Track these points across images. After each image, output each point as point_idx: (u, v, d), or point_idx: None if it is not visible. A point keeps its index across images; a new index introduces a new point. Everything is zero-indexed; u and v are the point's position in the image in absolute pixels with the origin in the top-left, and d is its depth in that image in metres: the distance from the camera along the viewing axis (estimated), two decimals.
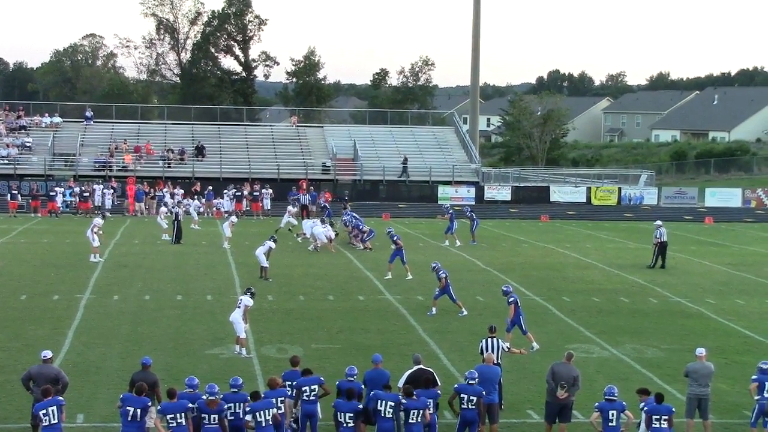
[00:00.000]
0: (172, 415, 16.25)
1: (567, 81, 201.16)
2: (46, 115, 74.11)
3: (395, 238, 38.17)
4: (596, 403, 17.41)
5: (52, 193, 57.06)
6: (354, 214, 46.39)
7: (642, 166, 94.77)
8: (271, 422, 16.60)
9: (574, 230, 52.36)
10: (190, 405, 16.48)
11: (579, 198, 70.64)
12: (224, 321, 28.09)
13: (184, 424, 16.28)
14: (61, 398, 16.65)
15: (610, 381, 22.46)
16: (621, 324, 29.19)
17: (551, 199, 70.08)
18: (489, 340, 20.10)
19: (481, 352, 19.81)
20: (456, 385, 17.95)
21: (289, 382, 17.96)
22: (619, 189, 72.55)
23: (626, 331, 28.12)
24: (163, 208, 49.03)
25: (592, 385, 21.88)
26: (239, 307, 24.69)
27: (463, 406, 17.56)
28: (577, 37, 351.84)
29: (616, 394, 17.28)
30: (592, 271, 39.64)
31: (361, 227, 44.97)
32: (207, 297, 31.90)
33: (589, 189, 72.03)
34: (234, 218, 45.72)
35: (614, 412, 17.07)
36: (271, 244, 35.87)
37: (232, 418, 16.78)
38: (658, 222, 42.31)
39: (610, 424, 17.04)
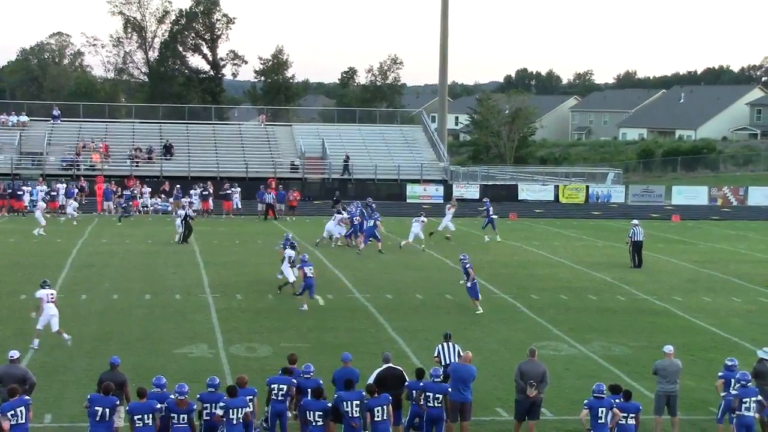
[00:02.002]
0: (140, 416, 16.20)
1: (535, 80, 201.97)
2: (13, 113, 73.51)
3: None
4: (585, 401, 17.41)
5: (19, 192, 56.60)
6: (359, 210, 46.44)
7: (609, 165, 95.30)
8: (242, 420, 16.61)
9: (542, 228, 52.56)
10: (159, 405, 16.43)
11: (547, 196, 70.93)
12: (193, 320, 28.13)
13: (151, 425, 16.22)
14: (28, 398, 16.57)
15: (578, 378, 22.71)
16: (589, 321, 29.36)
17: (519, 198, 70.31)
18: (446, 344, 20.19)
19: (437, 357, 19.81)
20: (421, 383, 17.98)
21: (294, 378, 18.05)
22: (587, 187, 72.90)
23: (594, 329, 28.28)
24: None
25: (560, 383, 22.05)
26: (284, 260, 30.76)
27: (429, 405, 17.61)
28: (545, 36, 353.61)
29: (604, 392, 17.33)
30: (560, 269, 39.82)
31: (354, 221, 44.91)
32: (176, 296, 31.80)
33: (557, 187, 72.32)
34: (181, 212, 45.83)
35: (603, 409, 17.08)
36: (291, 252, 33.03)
37: (208, 418, 16.78)
38: (635, 221, 42.63)
39: (599, 421, 17.07)
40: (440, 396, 17.65)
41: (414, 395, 17.86)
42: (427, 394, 17.67)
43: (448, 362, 19.61)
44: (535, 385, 18.38)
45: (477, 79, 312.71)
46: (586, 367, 24.01)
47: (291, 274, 31.93)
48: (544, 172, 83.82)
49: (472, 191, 69.98)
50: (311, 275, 30.49)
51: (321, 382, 17.85)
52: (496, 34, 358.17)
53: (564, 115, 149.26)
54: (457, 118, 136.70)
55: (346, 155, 70.68)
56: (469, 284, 30.44)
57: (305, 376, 17.94)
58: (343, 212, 45.85)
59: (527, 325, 28.80)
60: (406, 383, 18.20)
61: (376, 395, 17.10)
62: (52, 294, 25.22)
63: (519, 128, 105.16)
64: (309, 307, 30.12)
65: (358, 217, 44.95)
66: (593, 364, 24.44)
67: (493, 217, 47.33)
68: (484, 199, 52.63)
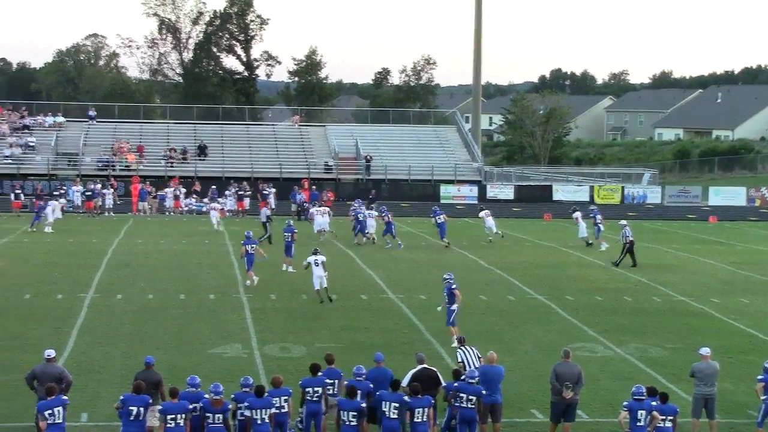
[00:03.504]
0: (173, 416, 16.22)
1: (569, 80, 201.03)
2: (50, 114, 74.11)
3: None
4: (624, 402, 17.25)
5: (55, 193, 56.96)
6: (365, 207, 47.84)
7: (645, 165, 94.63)
8: (267, 421, 16.62)
9: (576, 229, 52.16)
10: (191, 406, 16.45)
11: (582, 197, 70.45)
12: (227, 320, 28.19)
13: (182, 425, 16.24)
14: (65, 397, 16.64)
15: (614, 380, 22.54)
16: (624, 323, 29.13)
17: (554, 198, 69.96)
18: (465, 349, 20.04)
19: (462, 362, 19.54)
20: (456, 384, 17.90)
21: (329, 379, 18.06)
22: (622, 188, 72.45)
23: (630, 330, 28.06)
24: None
25: (596, 384, 21.90)
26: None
27: (462, 405, 17.53)
28: (580, 35, 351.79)
29: (644, 394, 17.16)
30: (595, 270, 39.59)
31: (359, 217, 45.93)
32: (210, 296, 31.88)
33: (591, 188, 71.88)
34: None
35: (643, 411, 16.89)
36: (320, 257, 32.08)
37: (242, 418, 16.79)
38: (623, 222, 42.45)
39: (638, 424, 16.89)
40: (473, 397, 17.54)
41: (450, 396, 17.78)
42: (461, 395, 17.58)
43: (475, 366, 19.41)
44: (571, 386, 18.25)
45: (511, 79, 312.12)
46: (622, 369, 23.81)
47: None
48: (579, 172, 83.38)
49: (506, 192, 69.76)
50: (252, 251, 33.85)
51: (371, 385, 17.80)
52: (531, 33, 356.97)
53: (599, 116, 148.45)
54: (490, 118, 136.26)
55: (367, 155, 70.64)
56: (451, 307, 26.12)
57: (358, 378, 17.87)
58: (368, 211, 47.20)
59: (562, 326, 28.63)
60: (444, 384, 18.12)
61: (419, 396, 17.02)
62: None
63: (553, 128, 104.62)
64: (344, 308, 30.15)
65: (361, 215, 46.14)
66: (629, 365, 24.23)
67: (602, 227, 45.96)
68: (592, 207, 52.11)
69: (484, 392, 17.79)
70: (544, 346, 25.64)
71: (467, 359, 19.68)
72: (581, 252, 44.16)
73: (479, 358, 19.68)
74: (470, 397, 17.52)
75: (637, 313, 30.68)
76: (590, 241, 46.53)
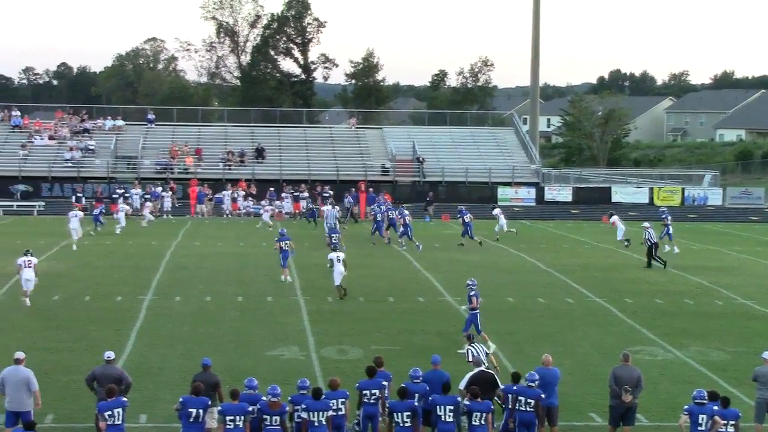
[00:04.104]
0: (232, 417, 16.26)
1: (628, 80, 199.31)
2: (109, 118, 74.92)
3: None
4: (685, 406, 17.01)
5: (115, 196, 57.49)
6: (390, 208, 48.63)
7: (706, 166, 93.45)
8: (324, 423, 16.61)
9: (636, 231, 51.56)
10: (250, 408, 16.47)
11: (641, 198, 69.76)
12: (284, 322, 28.25)
13: (241, 426, 16.27)
14: (125, 399, 16.76)
15: (674, 384, 22.25)
16: (685, 326, 28.76)
17: (613, 200, 69.28)
18: (473, 346, 20.23)
19: (474, 361, 19.24)
20: (515, 387, 17.75)
21: (384, 381, 18.00)
22: (683, 189, 71.62)
23: (690, 334, 27.69)
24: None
25: (656, 388, 21.63)
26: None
27: (521, 408, 17.38)
28: (640, 35, 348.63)
29: (705, 398, 16.90)
30: (654, 272, 39.14)
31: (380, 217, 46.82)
32: (267, 298, 31.98)
33: (651, 189, 71.15)
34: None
35: (704, 416, 16.63)
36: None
37: (299, 420, 16.79)
38: (646, 224, 42.22)
39: (699, 428, 16.64)
40: (532, 400, 17.38)
41: (510, 399, 17.64)
42: (519, 398, 17.43)
43: (484, 362, 19.56)
44: (630, 390, 18.03)
45: (569, 80, 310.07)
46: (683, 373, 23.49)
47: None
48: (638, 174, 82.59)
49: (564, 194, 69.32)
50: (287, 248, 35.27)
51: (428, 387, 17.73)
52: (589, 34, 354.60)
53: (659, 117, 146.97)
54: (548, 120, 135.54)
55: (419, 156, 70.53)
56: (473, 312, 25.54)
57: (414, 380, 17.81)
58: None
59: (621, 329, 28.33)
60: (502, 387, 17.99)
61: (479, 400, 16.91)
62: (29, 261, 30.03)
63: (612, 130, 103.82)
64: (401, 310, 30.13)
65: (381, 215, 46.81)
66: (690, 369, 23.91)
67: (669, 226, 45.45)
68: (662, 208, 51.75)
69: (542, 395, 17.62)
70: (603, 349, 25.38)
71: (480, 356, 19.71)
72: (640, 254, 43.65)
73: (486, 354, 20.01)
74: (529, 400, 17.37)
75: (698, 316, 30.28)
76: (627, 243, 46.39)
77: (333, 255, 32.77)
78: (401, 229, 45.17)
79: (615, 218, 48.99)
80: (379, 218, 46.75)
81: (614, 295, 33.51)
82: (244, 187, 62.07)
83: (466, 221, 45.53)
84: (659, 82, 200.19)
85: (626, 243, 46.33)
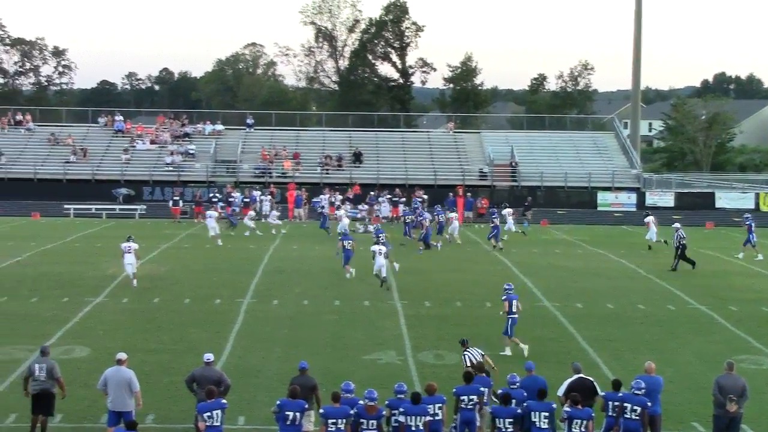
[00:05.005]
0: (333, 420, 16.25)
1: (734, 83, 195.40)
2: (209, 122, 75.93)
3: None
4: None
5: (214, 199, 58.17)
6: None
7: None
8: (422, 428, 16.50)
9: (741, 237, 50.51)
10: (351, 412, 16.45)
11: (747, 204, 68.10)
12: (382, 326, 28.23)
13: (343, 429, 16.25)
14: (224, 401, 16.87)
15: None
16: None
17: (716, 206, 67.88)
18: (469, 352, 20.14)
19: (470, 365, 19.38)
20: (620, 394, 17.42)
21: (482, 387, 17.91)
22: None
23: None
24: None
25: (762, 398, 21.05)
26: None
27: (626, 416, 17.05)
28: (746, 37, 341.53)
29: None
30: (760, 279, 38.26)
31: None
32: (364, 302, 32.00)
33: (757, 195, 69.40)
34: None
35: None
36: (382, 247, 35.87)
37: (396, 424, 16.73)
38: (677, 225, 41.94)
39: None
40: (638, 408, 17.03)
41: (610, 407, 17.32)
42: (625, 405, 17.09)
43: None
44: (735, 399, 17.57)
45: (671, 83, 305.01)
46: None
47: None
48: (744, 179, 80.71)
49: (666, 199, 68.12)
50: (350, 248, 36.76)
51: (525, 393, 17.54)
52: (693, 36, 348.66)
53: (766, 120, 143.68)
54: (650, 124, 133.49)
55: (513, 161, 70.04)
56: (510, 316, 25.44)
57: (512, 386, 17.64)
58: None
59: (724, 337, 27.70)
60: (603, 394, 17.69)
61: (579, 407, 16.65)
62: (130, 246, 34.21)
63: (716, 134, 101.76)
64: (497, 316, 29.81)
65: (410, 217, 49.21)
66: None
67: (755, 236, 44.87)
68: (746, 215, 50.81)
69: (649, 404, 17.26)
70: (706, 358, 24.83)
71: (468, 361, 19.78)
72: (745, 261, 42.75)
73: (482, 355, 20.09)
74: (635, 408, 17.02)
75: None
76: (650, 245, 46.66)
77: (375, 248, 35.30)
78: (423, 232, 46.45)
79: (650, 218, 48.56)
80: (407, 221, 48.57)
81: (717, 302, 32.81)
82: (357, 190, 62.24)
83: (497, 224, 46.56)
84: (767, 85, 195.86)
85: (652, 243, 46.64)
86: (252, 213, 53.16)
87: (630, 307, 31.73)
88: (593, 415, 16.78)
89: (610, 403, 17.34)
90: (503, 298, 25.63)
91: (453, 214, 50.24)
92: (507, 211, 50.34)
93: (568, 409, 16.63)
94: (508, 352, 25.16)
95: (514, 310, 25.30)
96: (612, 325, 28.92)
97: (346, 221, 47.55)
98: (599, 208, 65.59)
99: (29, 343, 25.03)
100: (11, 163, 68.30)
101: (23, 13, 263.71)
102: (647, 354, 23.57)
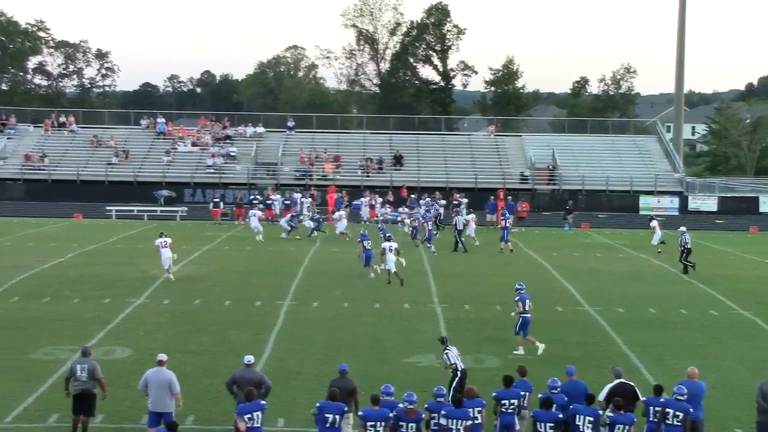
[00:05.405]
0: (372, 423, 16.22)
1: None
2: (250, 125, 76.27)
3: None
4: None
5: (254, 201, 58.31)
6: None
7: None
8: (463, 431, 16.42)
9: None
10: (391, 415, 16.41)
11: None
12: (421, 329, 28.15)
13: None
14: (264, 403, 16.89)
15: None
16: None
17: (760, 210, 67.24)
18: (450, 349, 20.47)
19: (453, 364, 20.09)
20: (662, 400, 17.26)
21: (522, 391, 17.90)
22: None
23: None
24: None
25: None
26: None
27: (668, 422, 16.89)
28: None
29: None
30: None
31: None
32: (404, 305, 31.94)
33: None
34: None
35: None
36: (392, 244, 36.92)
37: (436, 428, 16.69)
38: (683, 228, 41.65)
39: None
40: (681, 414, 16.86)
41: (652, 412, 17.15)
42: (667, 411, 16.93)
43: (462, 368, 20.20)
44: None
45: (715, 87, 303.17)
46: None
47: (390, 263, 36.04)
48: None
49: (709, 203, 67.57)
50: (369, 248, 37.42)
51: (566, 398, 17.44)
52: (737, 39, 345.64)
53: None
54: (693, 127, 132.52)
55: (551, 165, 69.65)
56: (523, 316, 25.64)
57: (553, 391, 17.55)
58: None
59: None
60: (644, 399, 17.53)
61: (622, 412, 16.51)
62: (165, 242, 35.95)
63: (761, 138, 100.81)
64: (538, 320, 29.63)
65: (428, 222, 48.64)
66: None
67: None
68: None
69: (691, 409, 17.08)
70: (750, 363, 24.56)
71: (458, 361, 20.22)
72: None
73: (458, 356, 20.42)
74: (678, 413, 16.84)
75: None
76: (660, 250, 46.07)
77: (385, 245, 36.57)
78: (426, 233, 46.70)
79: (655, 223, 48.50)
80: (429, 226, 47.98)
81: (762, 307, 32.42)
82: (405, 193, 62.18)
83: (507, 226, 46.78)
84: None
85: (661, 247, 46.42)
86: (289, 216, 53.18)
87: (672, 311, 31.45)
88: (635, 420, 16.63)
89: (651, 408, 17.18)
90: (516, 298, 25.73)
91: (471, 216, 50.29)
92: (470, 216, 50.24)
93: (611, 413, 16.49)
94: (521, 351, 25.34)
95: (526, 309, 25.52)
96: (654, 330, 28.68)
97: (344, 222, 49.75)
98: (641, 212, 65.11)
99: (71, 343, 25.20)
100: (54, 165, 68.96)
101: (67, 16, 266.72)
102: (689, 359, 23.36)
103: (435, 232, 48.96)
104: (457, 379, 20.02)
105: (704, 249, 47.40)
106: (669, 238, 46.41)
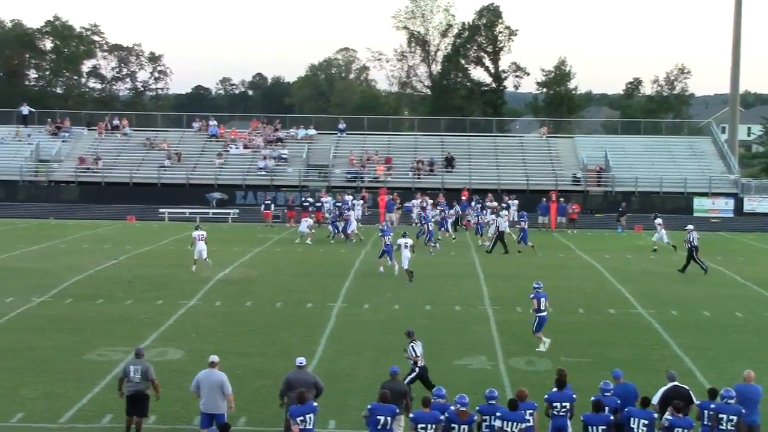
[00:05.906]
0: (423, 425, 16.18)
1: None
2: (302, 127, 76.45)
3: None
4: None
5: (305, 203, 58.43)
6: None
7: None
8: None
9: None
10: (442, 417, 16.36)
11: None
12: (473, 332, 28.07)
13: None
14: (316, 404, 16.93)
15: None
16: None
17: None
18: (412, 344, 20.88)
19: (416, 356, 20.66)
20: (713, 405, 17.04)
21: (575, 394, 17.77)
22: None
23: None
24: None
25: None
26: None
27: (721, 427, 16.67)
28: None
29: None
30: None
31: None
32: (455, 307, 31.86)
33: None
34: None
35: None
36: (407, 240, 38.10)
37: (488, 430, 16.61)
38: (690, 226, 41.30)
39: None
40: (734, 418, 16.63)
41: (706, 416, 16.94)
42: (720, 415, 16.71)
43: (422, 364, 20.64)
44: None
45: None
46: None
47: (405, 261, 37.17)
48: None
49: (765, 205, 66.64)
50: (390, 243, 38.55)
51: (618, 401, 17.28)
52: None
53: None
54: (749, 128, 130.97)
55: (596, 166, 69.16)
56: (538, 314, 26.13)
57: (605, 393, 17.39)
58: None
59: None
60: (698, 403, 17.32)
61: (680, 415, 16.32)
62: (202, 234, 38.69)
63: None
64: (591, 322, 29.59)
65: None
66: None
67: None
68: None
69: (743, 411, 16.85)
70: None
71: (417, 352, 20.68)
72: None
73: (422, 353, 20.92)
74: (731, 417, 16.62)
75: None
76: (655, 248, 46.65)
77: (401, 240, 37.72)
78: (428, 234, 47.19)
79: (659, 221, 48.46)
80: (431, 227, 48.18)
81: None
82: (466, 194, 61.95)
83: (524, 227, 46.85)
84: None
85: (654, 249, 46.74)
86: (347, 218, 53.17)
87: (727, 314, 31.09)
88: (693, 424, 16.43)
89: (705, 412, 16.97)
90: (531, 296, 26.25)
91: (491, 217, 50.37)
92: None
93: (669, 417, 16.29)
94: (542, 348, 25.67)
95: (542, 308, 25.89)
96: (708, 333, 28.37)
97: (354, 224, 50.63)
98: (695, 214, 64.39)
99: (124, 345, 25.40)
100: (108, 168, 69.60)
101: (121, 19, 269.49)
102: (744, 363, 23.04)
103: (453, 235, 51.39)
104: (414, 373, 20.47)
105: (760, 251, 46.85)
106: (675, 239, 45.88)
